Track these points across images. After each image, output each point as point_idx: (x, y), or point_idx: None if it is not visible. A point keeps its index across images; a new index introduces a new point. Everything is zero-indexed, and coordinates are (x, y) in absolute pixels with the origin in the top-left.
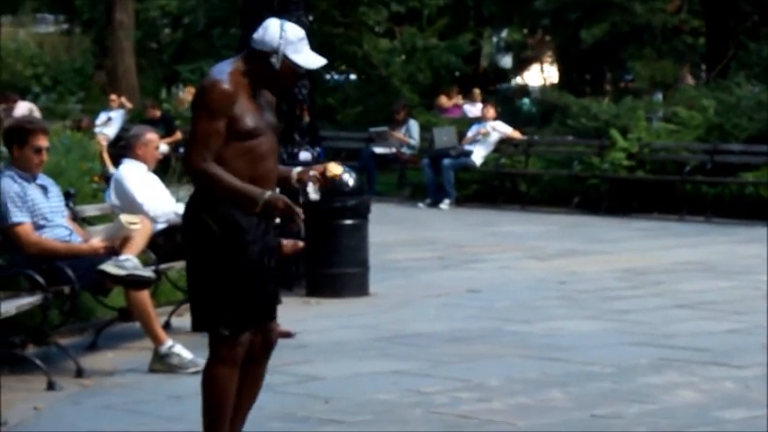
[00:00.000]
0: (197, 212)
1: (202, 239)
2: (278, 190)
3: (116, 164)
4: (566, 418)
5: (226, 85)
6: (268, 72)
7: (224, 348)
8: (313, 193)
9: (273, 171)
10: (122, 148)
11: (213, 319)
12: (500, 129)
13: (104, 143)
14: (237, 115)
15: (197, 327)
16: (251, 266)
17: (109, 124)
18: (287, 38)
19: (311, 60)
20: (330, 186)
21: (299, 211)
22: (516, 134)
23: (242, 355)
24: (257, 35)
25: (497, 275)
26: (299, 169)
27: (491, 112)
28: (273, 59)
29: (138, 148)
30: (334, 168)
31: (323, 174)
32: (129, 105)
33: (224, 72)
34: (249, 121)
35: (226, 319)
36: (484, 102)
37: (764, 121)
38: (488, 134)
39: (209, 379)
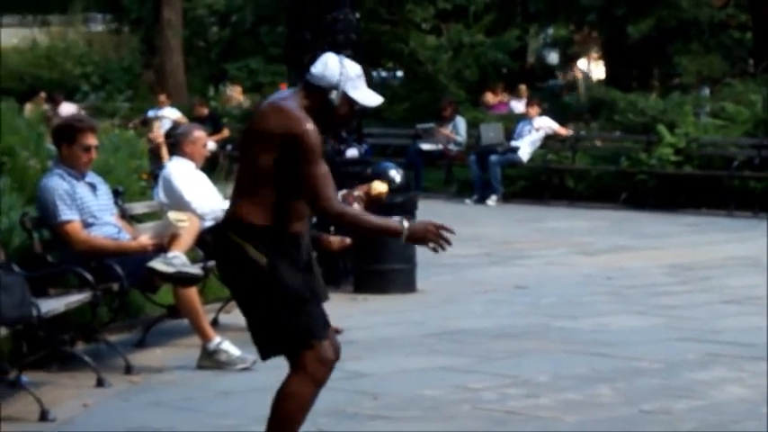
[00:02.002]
0: (238, 246)
1: (251, 269)
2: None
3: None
4: (613, 414)
5: (314, 129)
6: (325, 108)
7: (313, 363)
8: None
9: None
10: (170, 145)
11: (298, 336)
12: (546, 125)
13: (162, 139)
14: None
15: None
16: (306, 271)
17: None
18: (347, 74)
19: (369, 98)
20: (375, 204)
21: (446, 231)
22: (562, 130)
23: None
24: (316, 70)
25: (544, 271)
26: (343, 192)
27: (534, 109)
28: (333, 95)
29: (185, 146)
30: (379, 186)
31: (367, 193)
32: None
33: (297, 108)
34: None
35: (310, 329)
36: (528, 99)
37: None
38: (540, 130)
39: (291, 393)
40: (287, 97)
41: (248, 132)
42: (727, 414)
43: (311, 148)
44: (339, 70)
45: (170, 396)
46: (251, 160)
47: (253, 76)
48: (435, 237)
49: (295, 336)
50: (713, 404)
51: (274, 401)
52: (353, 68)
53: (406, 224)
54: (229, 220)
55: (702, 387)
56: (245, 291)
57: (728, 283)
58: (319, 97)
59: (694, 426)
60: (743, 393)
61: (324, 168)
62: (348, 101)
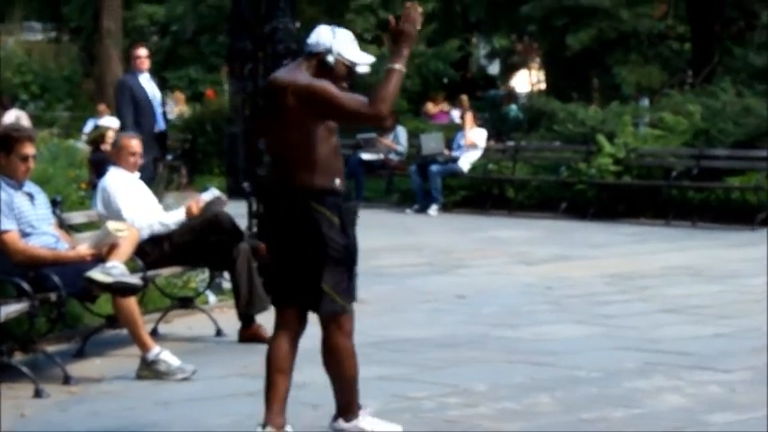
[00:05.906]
0: (308, 207)
1: (319, 228)
2: None
3: (98, 172)
4: (553, 423)
5: (319, 80)
6: (324, 71)
7: (346, 321)
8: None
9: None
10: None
11: (340, 298)
12: (476, 140)
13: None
14: None
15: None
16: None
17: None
18: (339, 38)
19: (362, 57)
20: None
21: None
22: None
23: None
24: (311, 40)
25: (485, 281)
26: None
27: (470, 119)
28: (329, 58)
29: (113, 154)
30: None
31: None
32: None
33: (303, 75)
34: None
35: (350, 293)
36: (462, 112)
37: (750, 126)
38: (475, 146)
39: (344, 348)
40: (294, 72)
41: (276, 107)
42: (665, 423)
43: (322, 89)
44: (331, 35)
45: (109, 406)
46: (291, 132)
47: (193, 86)
48: (411, 28)
49: (344, 300)
50: (651, 413)
51: (330, 363)
52: (345, 33)
53: (396, 65)
54: (300, 190)
55: (640, 396)
56: (315, 253)
57: (667, 293)
58: (318, 62)
59: None
60: (681, 402)
61: (340, 93)
62: (344, 62)
